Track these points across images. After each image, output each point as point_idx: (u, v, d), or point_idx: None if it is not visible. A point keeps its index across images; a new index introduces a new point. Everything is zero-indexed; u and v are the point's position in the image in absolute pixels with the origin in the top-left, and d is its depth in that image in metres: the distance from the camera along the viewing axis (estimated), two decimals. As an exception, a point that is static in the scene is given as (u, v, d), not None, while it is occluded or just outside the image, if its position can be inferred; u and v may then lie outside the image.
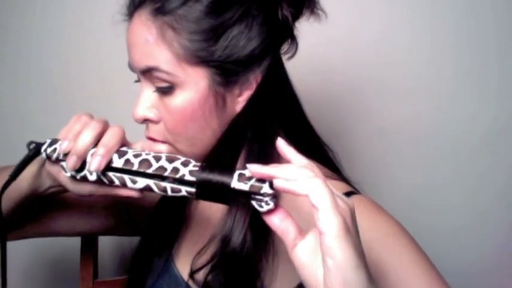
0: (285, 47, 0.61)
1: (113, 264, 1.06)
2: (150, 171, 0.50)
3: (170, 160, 0.51)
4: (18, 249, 0.77)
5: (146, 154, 0.52)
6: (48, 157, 0.55)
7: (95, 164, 0.51)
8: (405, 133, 0.98)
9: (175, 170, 0.50)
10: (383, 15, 0.96)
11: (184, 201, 0.69)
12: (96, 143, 0.53)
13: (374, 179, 0.99)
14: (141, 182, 0.51)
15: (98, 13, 1.02)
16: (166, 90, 0.56)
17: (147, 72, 0.56)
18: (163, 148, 0.56)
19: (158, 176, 0.50)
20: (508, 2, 0.92)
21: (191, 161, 0.51)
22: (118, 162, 0.52)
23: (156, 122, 0.58)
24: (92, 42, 1.04)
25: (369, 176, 0.98)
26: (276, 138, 0.60)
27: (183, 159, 0.51)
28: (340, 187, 0.61)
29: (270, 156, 0.57)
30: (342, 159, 0.68)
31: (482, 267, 0.97)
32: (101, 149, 0.52)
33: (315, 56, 0.92)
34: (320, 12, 0.60)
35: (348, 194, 0.60)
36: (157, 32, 0.54)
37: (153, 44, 0.55)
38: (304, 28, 0.61)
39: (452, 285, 0.55)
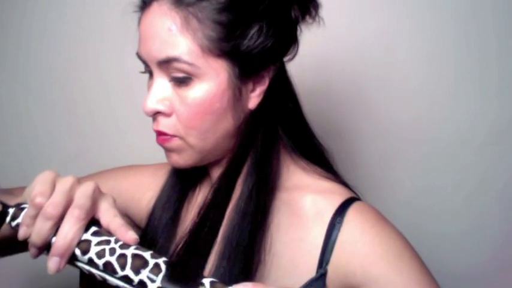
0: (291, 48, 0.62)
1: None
2: (117, 276, 0.45)
3: (136, 269, 0.44)
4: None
5: (110, 252, 0.45)
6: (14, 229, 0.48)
7: (53, 266, 0.44)
8: (405, 133, 0.97)
9: (142, 284, 0.44)
10: (383, 15, 0.96)
11: (180, 203, 0.69)
12: (56, 228, 0.45)
13: (376, 174, 0.99)
14: (111, 281, 0.45)
15: (98, 13, 1.02)
16: (183, 82, 0.55)
17: (165, 63, 0.55)
18: (131, 236, 0.46)
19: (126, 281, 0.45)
20: (508, 2, 0.92)
21: (161, 266, 0.45)
22: (82, 258, 0.45)
23: (167, 115, 0.57)
24: (92, 42, 1.04)
25: (369, 172, 0.98)
26: (278, 142, 0.61)
27: (151, 264, 0.45)
28: (340, 192, 0.61)
29: (270, 166, 0.59)
30: (342, 160, 0.68)
31: (483, 268, 0.96)
32: (58, 247, 0.44)
33: (315, 55, 0.92)
34: (319, 17, 0.61)
35: (349, 201, 0.59)
36: (182, 22, 0.54)
37: (177, 33, 0.54)
38: (304, 28, 0.61)
39: (453, 287, 0.55)
